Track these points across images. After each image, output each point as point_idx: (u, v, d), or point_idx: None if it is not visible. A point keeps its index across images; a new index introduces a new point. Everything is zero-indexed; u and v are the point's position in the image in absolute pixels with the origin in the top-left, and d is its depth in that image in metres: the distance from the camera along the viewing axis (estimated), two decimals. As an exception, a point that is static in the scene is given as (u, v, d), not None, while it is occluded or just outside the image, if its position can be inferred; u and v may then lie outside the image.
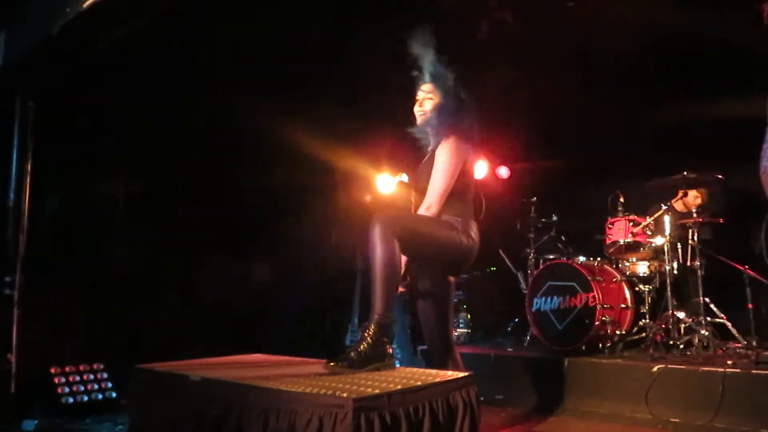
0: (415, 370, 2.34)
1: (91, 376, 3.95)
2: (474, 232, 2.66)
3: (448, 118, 2.73)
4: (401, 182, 5.16)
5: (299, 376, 2.16)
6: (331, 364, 2.20)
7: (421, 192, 2.78)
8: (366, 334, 2.26)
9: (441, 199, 2.61)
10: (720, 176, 4.28)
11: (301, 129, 4.87)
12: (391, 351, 2.33)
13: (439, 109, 2.75)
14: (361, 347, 2.24)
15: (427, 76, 2.78)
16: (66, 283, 4.10)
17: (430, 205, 2.60)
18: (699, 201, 4.79)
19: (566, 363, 4.02)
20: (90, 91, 4.15)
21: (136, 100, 4.42)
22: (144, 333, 4.20)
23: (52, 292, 3.98)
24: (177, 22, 3.54)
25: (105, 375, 4.00)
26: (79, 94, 4.12)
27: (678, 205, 4.89)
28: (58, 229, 4.14)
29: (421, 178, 2.76)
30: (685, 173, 4.27)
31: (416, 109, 2.82)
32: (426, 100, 2.78)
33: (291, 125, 4.81)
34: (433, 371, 2.26)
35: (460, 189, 2.69)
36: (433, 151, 2.73)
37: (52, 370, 3.83)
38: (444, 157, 2.65)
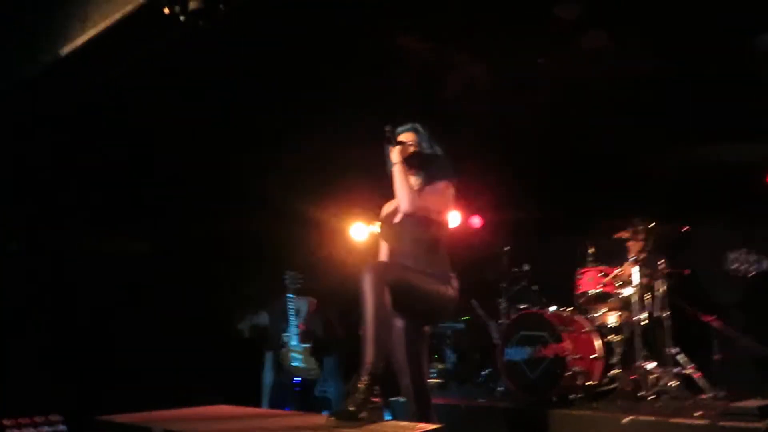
0: (386, 422, 2.30)
1: (47, 428, 3.79)
2: (456, 283, 2.69)
3: (437, 167, 2.80)
4: (374, 232, 5.18)
5: (263, 429, 2.12)
6: (331, 418, 2.19)
7: (394, 239, 2.79)
8: (360, 385, 2.23)
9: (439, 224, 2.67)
10: (687, 228, 4.39)
11: (276, 181, 4.91)
12: (380, 401, 2.30)
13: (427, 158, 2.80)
14: (356, 398, 2.20)
15: (409, 126, 2.85)
16: (23, 332, 3.98)
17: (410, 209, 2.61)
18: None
19: (537, 414, 3.98)
20: (55, 139, 4.12)
21: (107, 147, 4.41)
22: (104, 383, 4.07)
23: (9, 341, 3.85)
24: (153, 74, 3.58)
25: (62, 427, 3.84)
26: (44, 144, 4.09)
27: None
28: (19, 277, 4.03)
29: (393, 228, 2.77)
30: (653, 224, 4.37)
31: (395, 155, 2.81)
32: (411, 146, 2.79)
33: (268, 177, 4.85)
34: (404, 423, 2.23)
35: (445, 240, 2.73)
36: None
37: (5, 422, 3.66)
38: (447, 195, 2.72)
